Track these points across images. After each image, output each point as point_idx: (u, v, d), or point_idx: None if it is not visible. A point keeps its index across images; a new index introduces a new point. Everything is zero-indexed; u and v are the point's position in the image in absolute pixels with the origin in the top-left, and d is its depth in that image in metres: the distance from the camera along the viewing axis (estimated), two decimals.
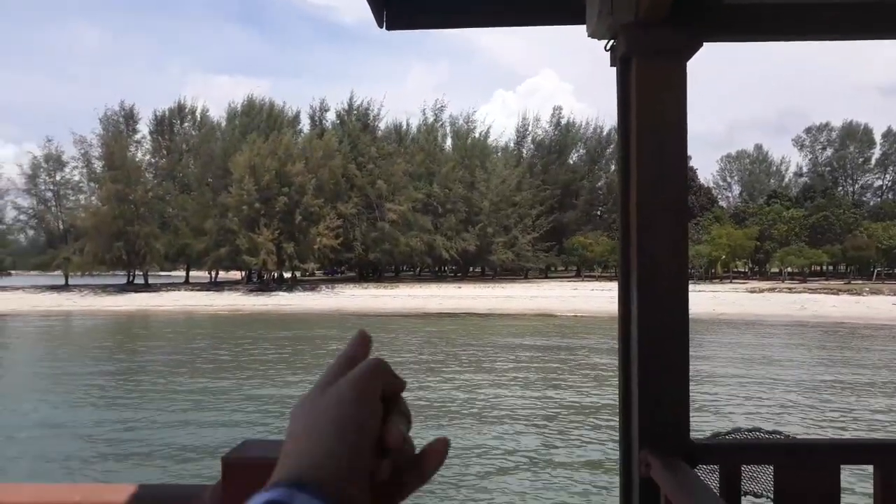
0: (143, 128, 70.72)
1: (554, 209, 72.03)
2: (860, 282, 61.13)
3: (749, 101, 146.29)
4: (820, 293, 52.42)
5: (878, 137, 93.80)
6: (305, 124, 74.91)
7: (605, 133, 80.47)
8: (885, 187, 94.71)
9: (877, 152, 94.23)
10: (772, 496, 2.03)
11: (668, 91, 2.11)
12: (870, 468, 2.07)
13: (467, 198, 68.07)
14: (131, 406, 15.46)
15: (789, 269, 67.99)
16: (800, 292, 53.50)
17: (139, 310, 47.11)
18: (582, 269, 73.61)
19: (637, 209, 2.08)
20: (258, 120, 68.50)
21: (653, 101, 2.11)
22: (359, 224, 65.22)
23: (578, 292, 54.29)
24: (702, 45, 2.13)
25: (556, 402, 15.83)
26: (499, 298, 50.78)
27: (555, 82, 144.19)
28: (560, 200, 73.34)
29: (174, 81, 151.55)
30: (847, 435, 12.84)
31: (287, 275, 64.08)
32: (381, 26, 2.44)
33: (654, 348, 2.00)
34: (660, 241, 2.06)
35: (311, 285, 61.76)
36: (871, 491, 2.06)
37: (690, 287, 2.12)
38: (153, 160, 69.80)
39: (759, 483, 2.07)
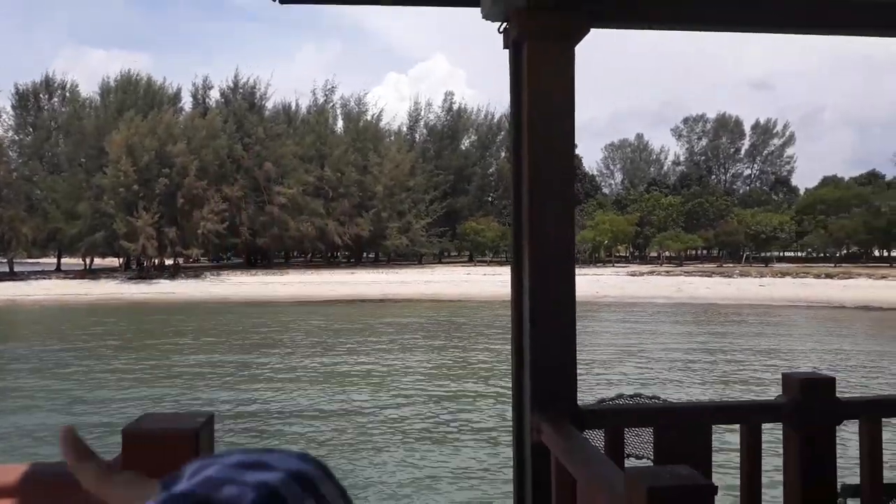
0: (4, 102, 65.37)
1: (447, 195, 72.47)
2: (731, 264, 65.27)
3: (631, 92, 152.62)
4: (695, 276, 55.56)
5: (747, 129, 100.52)
6: (188, 102, 71.47)
7: (495, 120, 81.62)
8: (753, 176, 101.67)
9: (746, 143, 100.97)
10: (652, 457, 2.16)
11: (557, 73, 2.21)
12: (737, 427, 2.29)
13: (360, 182, 67.22)
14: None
15: (667, 253, 71.68)
16: (677, 275, 56.49)
17: (5, 300, 43.49)
18: (474, 254, 74.60)
19: (528, 190, 2.17)
20: (135, 97, 64.58)
21: (543, 83, 2.20)
22: (246, 208, 62.96)
23: (471, 277, 54.94)
24: (589, 30, 2.22)
25: (450, 378, 15.84)
26: (393, 284, 50.55)
27: (447, 67, 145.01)
28: (453, 186, 73.86)
29: (40, 54, 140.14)
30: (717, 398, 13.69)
31: (169, 262, 61.04)
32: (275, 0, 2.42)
33: (545, 321, 2.10)
34: (548, 219, 2.16)
35: (195, 272, 59.14)
36: (738, 447, 2.28)
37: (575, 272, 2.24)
38: (17, 137, 64.60)
39: (640, 446, 2.20)
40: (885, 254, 68.08)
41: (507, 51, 2.34)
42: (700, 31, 2.56)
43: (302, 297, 44.12)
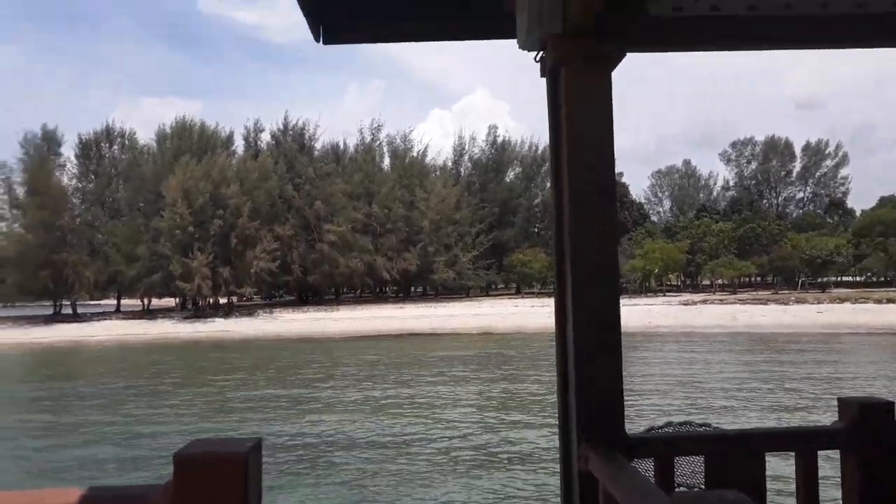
0: (68, 151, 68.47)
1: (493, 227, 72.74)
2: (786, 291, 63.59)
3: (676, 116, 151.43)
4: (749, 304, 54.27)
5: (798, 150, 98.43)
6: (240, 146, 73.79)
7: (539, 151, 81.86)
8: (805, 199, 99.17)
9: (798, 165, 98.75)
10: (703, 486, 2.11)
11: (594, 100, 2.22)
12: (792, 454, 2.23)
13: (407, 217, 68.08)
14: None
15: (720, 281, 70.22)
16: (731, 303, 55.26)
17: (69, 341, 45.12)
18: (521, 286, 74.37)
19: (570, 216, 2.19)
20: (190, 142, 66.97)
21: (580, 109, 2.21)
22: (297, 246, 64.33)
23: (518, 309, 54.79)
24: (625, 55, 2.26)
25: (499, 409, 15.86)
26: (441, 317, 50.76)
27: (489, 101, 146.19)
28: (499, 218, 74.15)
29: (99, 103, 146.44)
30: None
31: (223, 300, 62.54)
32: (317, 41, 2.52)
33: (590, 347, 2.09)
34: (591, 244, 2.17)
35: (248, 310, 60.44)
36: (793, 475, 2.22)
37: (625, 301, 2.26)
38: (80, 185, 67.53)
39: (690, 475, 2.16)
40: None
41: (544, 79, 2.38)
42: (733, 50, 2.61)
43: (352, 332, 44.66)
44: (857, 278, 72.47)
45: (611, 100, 2.24)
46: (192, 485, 0.98)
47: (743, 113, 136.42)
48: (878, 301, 50.90)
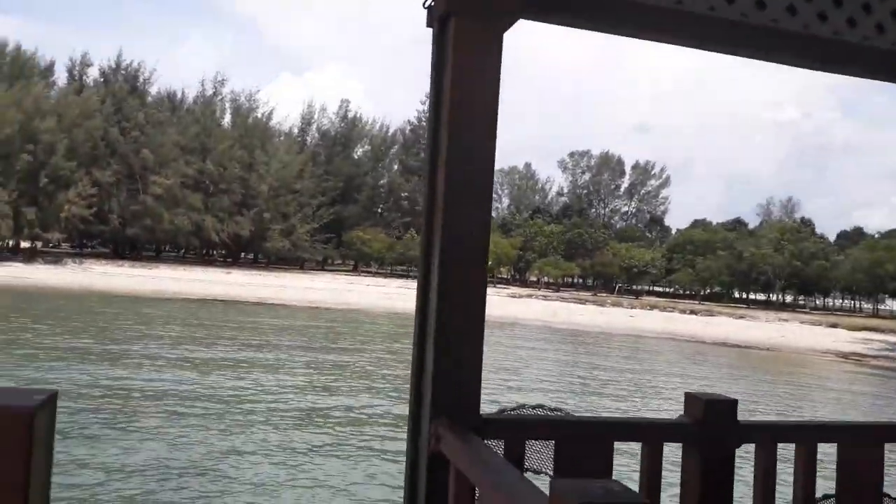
0: None
1: (336, 201, 71.23)
2: (604, 294, 67.88)
3: (524, 122, 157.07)
4: (571, 302, 57.23)
5: (628, 168, 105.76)
6: (62, 77, 66.47)
7: (390, 132, 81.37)
8: (630, 213, 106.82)
9: (626, 181, 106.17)
10: (551, 471, 2.10)
11: (484, 54, 2.10)
12: (638, 445, 2.27)
13: (244, 179, 64.82)
14: None
15: (546, 279, 73.65)
16: (553, 300, 57.99)
17: None
18: (359, 263, 73.57)
19: (445, 183, 2.03)
20: (0, 63, 59.35)
21: (467, 64, 2.08)
22: (117, 195, 59.07)
23: (354, 287, 53.93)
24: (518, 18, 2.15)
25: (331, 384, 15.08)
26: (271, 288, 48.68)
27: (343, 75, 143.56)
28: (342, 193, 72.73)
29: None
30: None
31: (26, 244, 56.12)
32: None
33: (453, 326, 2.01)
34: (464, 219, 2.04)
35: (54, 257, 54.63)
36: (638, 465, 2.25)
37: None
38: None
39: (539, 460, 2.13)
40: (745, 295, 73.03)
41: (429, 31, 2.23)
42: (628, 35, 2.50)
43: (171, 293, 41.57)
44: (668, 289, 78.97)
45: (500, 61, 2.12)
46: None
47: (587, 129, 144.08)
48: (683, 311, 55.59)
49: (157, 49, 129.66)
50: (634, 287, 72.78)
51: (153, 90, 68.98)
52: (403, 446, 2.16)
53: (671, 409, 15.99)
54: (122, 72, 67.08)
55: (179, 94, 70.84)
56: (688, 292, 74.45)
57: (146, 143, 60.04)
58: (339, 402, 13.97)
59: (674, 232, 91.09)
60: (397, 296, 48.14)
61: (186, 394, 13.35)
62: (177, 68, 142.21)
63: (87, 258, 58.22)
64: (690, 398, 2.33)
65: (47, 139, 53.32)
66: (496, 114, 2.10)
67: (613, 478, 1.89)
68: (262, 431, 11.06)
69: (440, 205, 2.03)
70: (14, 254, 54.00)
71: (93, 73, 67.35)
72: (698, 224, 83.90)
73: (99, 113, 58.32)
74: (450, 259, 2.02)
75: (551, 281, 74.09)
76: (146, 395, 12.95)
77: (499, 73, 2.12)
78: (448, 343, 2.00)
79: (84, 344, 19.16)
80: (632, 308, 56.75)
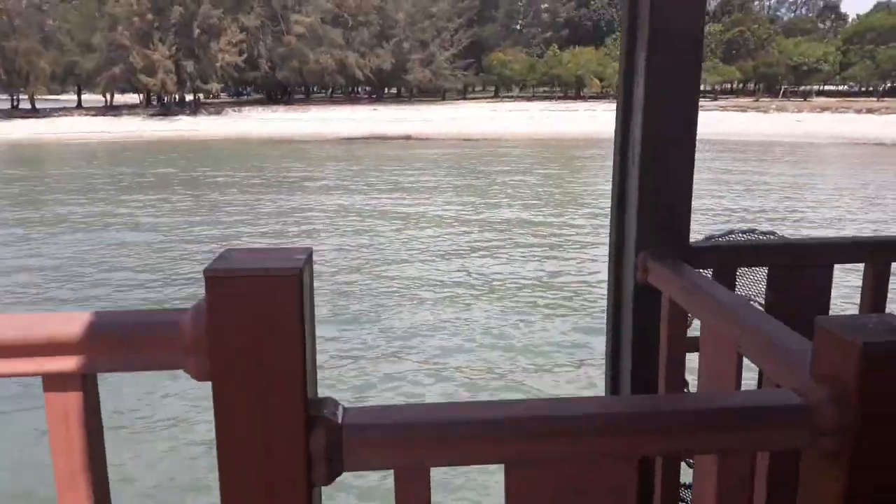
0: None
1: (473, 22, 68.90)
2: (767, 99, 62.64)
3: None
4: (730, 110, 53.57)
5: None
6: None
7: None
8: (799, 2, 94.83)
9: None
10: (762, 299, 2.00)
11: None
12: (861, 266, 2.06)
13: (380, 8, 63.94)
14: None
15: (703, 87, 68.73)
16: (710, 110, 54.52)
17: (31, 138, 43.45)
18: (500, 89, 72.14)
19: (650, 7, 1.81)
20: None
21: None
22: (263, 38, 60.69)
23: (497, 114, 53.50)
24: None
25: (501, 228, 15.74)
26: (416, 122, 49.48)
27: None
28: (479, 12, 70.01)
29: None
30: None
31: (189, 97, 60.03)
32: None
33: (659, 147, 1.86)
34: (673, 35, 1.82)
35: (215, 108, 58.24)
36: (860, 287, 2.05)
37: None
38: None
39: (749, 286, 2.06)
40: None
41: None
42: None
43: (324, 134, 43.49)
44: (841, 87, 71.34)
45: None
46: (229, 304, 0.80)
47: None
48: (858, 111, 50.50)
49: None
50: (802, 89, 66.28)
51: None
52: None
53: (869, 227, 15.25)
54: None
55: None
56: (865, 90, 66.89)
57: None
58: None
59: (851, 19, 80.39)
60: (541, 118, 47.39)
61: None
62: None
63: (244, 105, 61.58)
64: None
65: None
66: None
67: (832, 303, 1.98)
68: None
69: (644, 26, 1.83)
70: (181, 106, 58.06)
71: None
72: (882, 6, 73.24)
73: None
74: (656, 65, 1.83)
75: (708, 89, 69.13)
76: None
77: None
78: (655, 166, 1.87)
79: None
80: (799, 112, 52.29)
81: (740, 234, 2.19)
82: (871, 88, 65.69)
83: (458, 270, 12.45)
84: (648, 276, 1.81)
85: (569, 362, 8.08)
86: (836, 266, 1.97)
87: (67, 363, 0.88)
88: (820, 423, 0.88)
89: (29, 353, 0.87)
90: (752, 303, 1.94)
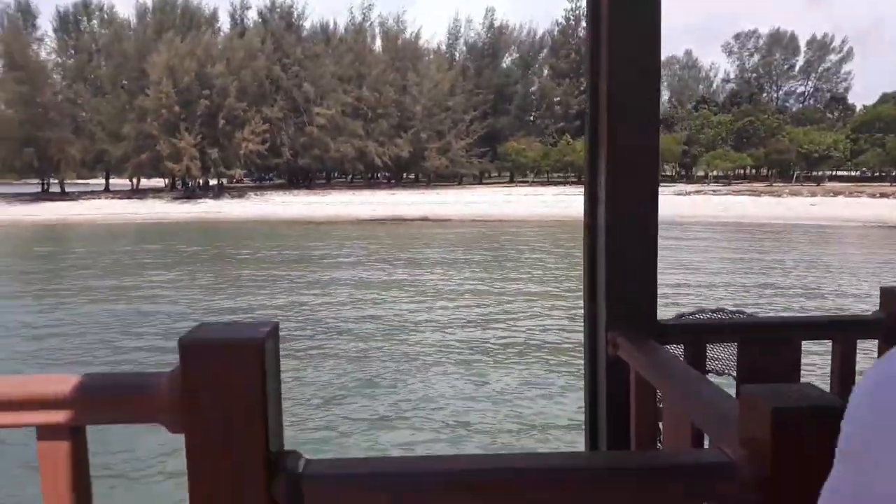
0: (45, 25, 65.40)
1: (487, 114, 71.12)
2: (780, 184, 63.35)
3: (679, 5, 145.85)
4: (744, 195, 54.14)
5: (802, 44, 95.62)
6: (225, 23, 70.73)
7: (538, 37, 79.11)
8: (807, 94, 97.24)
9: (801, 59, 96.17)
10: (734, 373, 2.05)
11: None
12: (829, 343, 2.13)
13: (399, 102, 66.31)
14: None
15: (714, 173, 69.78)
16: (724, 194, 55.11)
17: (58, 219, 44.61)
18: (515, 175, 73.66)
19: (607, 93, 1.93)
20: (172, 17, 64.00)
21: None
22: (286, 129, 62.89)
23: (511, 197, 54.41)
24: None
25: (512, 297, 15.82)
26: (433, 205, 50.38)
27: None
28: (493, 106, 72.36)
29: None
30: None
31: (213, 181, 61.74)
32: None
33: (623, 230, 1.95)
34: (632, 127, 1.94)
35: (238, 192, 59.76)
36: (829, 365, 2.12)
37: None
38: (59, 60, 64.87)
39: (721, 363, 2.09)
40: None
41: None
42: None
43: (344, 216, 44.32)
44: (853, 173, 72.11)
45: None
46: (199, 371, 0.92)
47: (752, 5, 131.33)
48: (872, 195, 50.85)
49: None
50: (815, 174, 67.08)
51: (307, 24, 71.60)
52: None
53: (865, 305, 15.19)
54: (277, 10, 69.95)
55: (331, 25, 73.00)
56: (877, 175, 67.56)
57: (306, 77, 62.92)
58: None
59: (858, 110, 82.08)
60: (554, 203, 48.08)
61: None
62: (327, 2, 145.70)
63: (266, 190, 63.15)
64: (887, 292, 2.15)
65: (220, 83, 57.40)
66: (659, 9, 1.95)
67: (802, 380, 1.86)
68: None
69: (604, 114, 1.93)
70: (205, 190, 59.64)
71: (251, 16, 71.01)
72: (888, 98, 74.83)
73: (261, 53, 61.61)
74: (617, 169, 1.93)
75: (720, 174, 70.09)
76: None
77: None
78: (620, 254, 1.95)
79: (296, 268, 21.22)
80: (813, 196, 52.71)
81: (709, 313, 2.26)
82: (882, 174, 66.36)
83: (468, 337, 12.51)
84: (619, 350, 1.90)
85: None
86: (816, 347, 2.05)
87: (58, 416, 0.99)
88: (743, 478, 1.01)
89: (25, 408, 0.99)
90: (727, 377, 2.04)
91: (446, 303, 15.65)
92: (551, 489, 1.01)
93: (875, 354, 2.05)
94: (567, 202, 49.42)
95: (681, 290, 16.34)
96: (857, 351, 2.11)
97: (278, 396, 0.99)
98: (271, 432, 0.94)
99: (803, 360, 2.03)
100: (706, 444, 1.41)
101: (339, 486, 0.97)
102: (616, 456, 1.68)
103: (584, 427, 2.13)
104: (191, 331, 0.97)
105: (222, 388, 0.92)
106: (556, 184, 67.50)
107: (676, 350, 2.02)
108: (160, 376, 0.99)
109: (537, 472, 1.02)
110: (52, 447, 1.01)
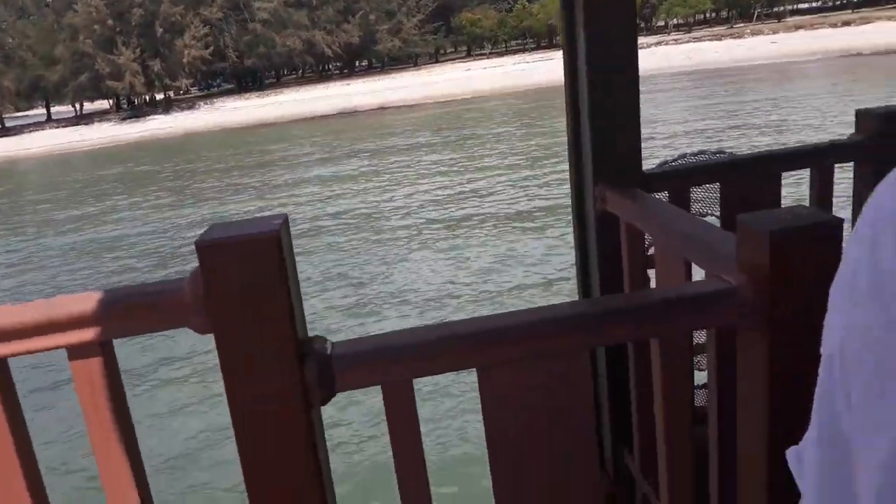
0: None
1: None
2: (741, 24, 61.99)
3: None
4: (705, 41, 53.04)
5: None
6: None
7: None
8: None
9: None
10: (717, 213, 2.08)
11: None
12: (807, 172, 2.20)
13: None
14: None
15: (674, 21, 68.06)
16: (685, 42, 53.94)
17: (3, 157, 42.85)
18: (472, 48, 71.31)
19: None
20: None
21: None
22: (228, 29, 59.74)
23: (472, 73, 52.86)
24: None
25: (483, 168, 15.56)
26: (390, 90, 48.86)
27: None
28: None
29: None
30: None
31: (159, 96, 59.25)
32: None
33: (605, 86, 1.93)
34: None
35: (187, 104, 57.49)
36: (808, 193, 2.19)
37: None
38: None
39: (704, 204, 2.12)
40: None
41: None
42: None
43: (299, 114, 42.96)
44: (815, 3, 70.55)
45: None
46: (219, 271, 0.93)
47: None
48: (834, 25, 49.99)
49: None
50: (775, 9, 65.55)
51: None
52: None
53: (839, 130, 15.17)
54: None
55: None
56: (838, 2, 66.17)
57: None
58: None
59: None
60: (516, 73, 46.86)
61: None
62: None
63: (215, 97, 60.76)
64: (862, 114, 2.19)
65: None
66: None
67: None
68: None
69: None
70: (152, 106, 57.33)
71: None
72: None
73: None
74: (595, 21, 1.88)
75: (681, 22, 68.38)
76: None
77: None
78: (603, 108, 1.94)
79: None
80: (774, 33, 51.73)
81: (691, 157, 2.27)
82: (844, 1, 64.99)
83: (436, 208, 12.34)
84: (607, 204, 1.92)
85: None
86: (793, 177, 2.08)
87: (87, 334, 1.01)
88: (744, 302, 1.06)
89: (53, 331, 1.01)
90: (710, 217, 2.07)
91: (417, 187, 15.44)
92: (566, 336, 1.07)
93: (850, 177, 2.20)
94: (528, 71, 48.16)
95: (651, 143, 16.14)
96: (834, 177, 2.17)
97: (297, 285, 1.01)
98: (298, 321, 0.97)
99: (783, 192, 2.07)
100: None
101: (367, 364, 1.02)
102: (624, 297, 1.69)
103: (575, 282, 2.19)
104: (205, 232, 0.97)
105: (246, 284, 0.93)
106: (514, 52, 65.61)
107: (662, 197, 2.08)
108: (180, 282, 1.01)
109: (551, 322, 1.06)
110: (84, 365, 1.04)
